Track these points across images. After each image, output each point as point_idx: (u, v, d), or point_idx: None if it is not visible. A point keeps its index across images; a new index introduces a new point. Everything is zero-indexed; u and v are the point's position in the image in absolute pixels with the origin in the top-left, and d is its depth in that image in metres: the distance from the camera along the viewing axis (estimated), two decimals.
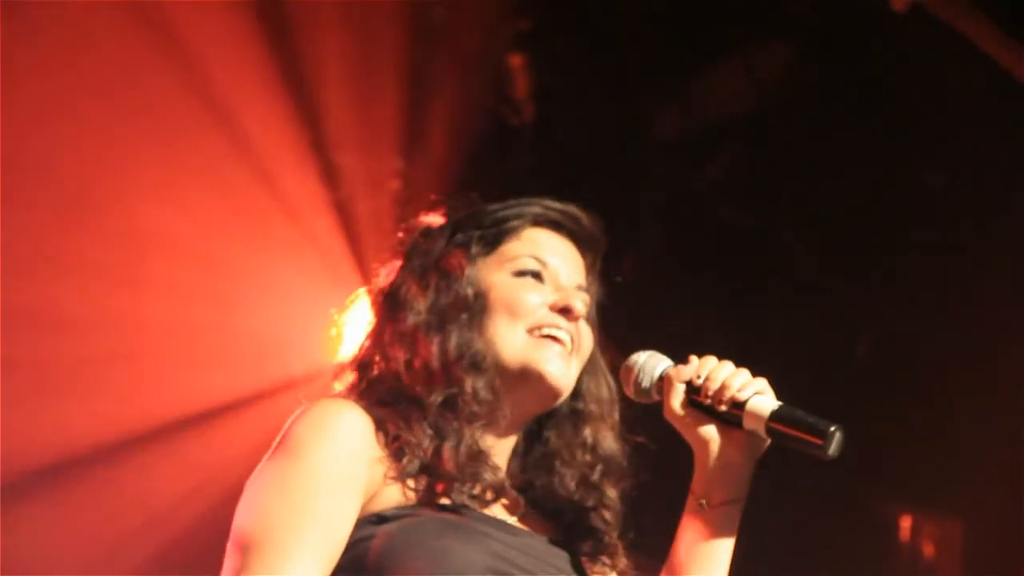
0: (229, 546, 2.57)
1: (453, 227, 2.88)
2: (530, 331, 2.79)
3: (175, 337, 5.15)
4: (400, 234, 2.94)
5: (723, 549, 2.79)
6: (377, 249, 5.32)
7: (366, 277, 5.29)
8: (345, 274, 5.34)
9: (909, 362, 5.93)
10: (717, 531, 2.78)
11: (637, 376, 2.84)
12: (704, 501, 2.78)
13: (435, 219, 2.93)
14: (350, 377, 2.83)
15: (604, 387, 2.91)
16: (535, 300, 2.80)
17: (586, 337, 2.85)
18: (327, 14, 5.43)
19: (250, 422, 5.08)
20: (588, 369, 2.89)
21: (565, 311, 2.81)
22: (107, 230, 5.03)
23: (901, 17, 5.42)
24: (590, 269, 2.92)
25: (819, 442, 2.69)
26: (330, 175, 5.54)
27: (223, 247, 5.25)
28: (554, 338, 2.79)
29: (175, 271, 5.15)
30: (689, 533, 2.80)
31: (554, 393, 2.82)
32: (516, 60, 5.92)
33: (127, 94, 5.03)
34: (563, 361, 2.80)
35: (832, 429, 2.69)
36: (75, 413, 5.02)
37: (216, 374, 5.20)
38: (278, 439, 2.65)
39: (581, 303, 2.82)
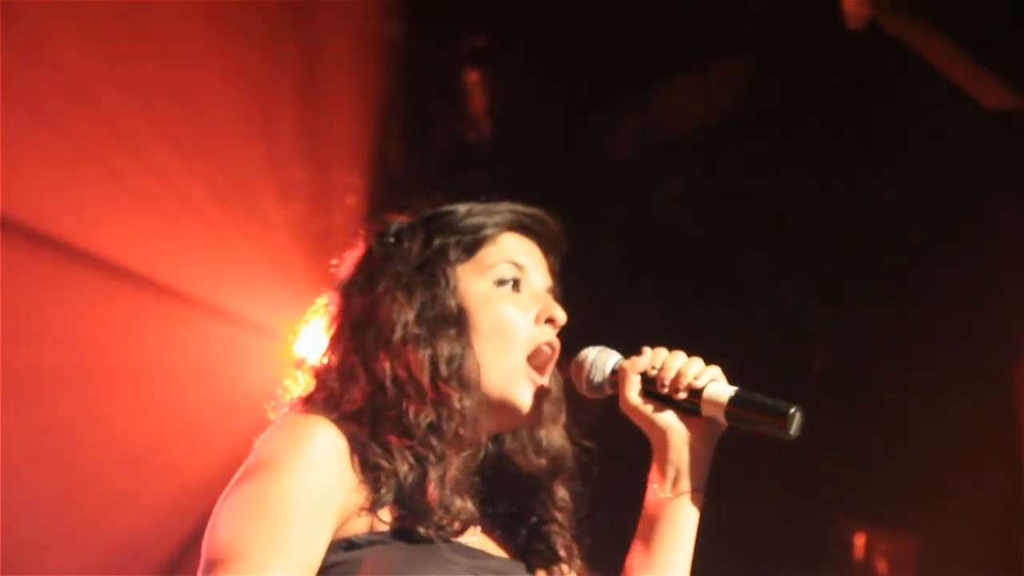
0: (202, 567, 2.53)
1: (426, 230, 2.86)
2: (527, 356, 2.79)
3: (135, 352, 5.14)
4: (365, 231, 2.90)
5: (687, 539, 2.78)
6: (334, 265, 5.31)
7: (322, 292, 5.28)
8: (301, 290, 5.31)
9: (865, 379, 5.95)
10: (680, 521, 2.77)
11: (589, 372, 2.84)
12: (667, 490, 2.78)
13: (401, 219, 2.90)
14: (321, 382, 2.77)
15: (556, 388, 2.89)
16: (520, 319, 2.80)
17: (558, 345, 2.85)
18: (284, 29, 5.42)
19: (211, 441, 5.06)
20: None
21: (550, 321, 2.82)
22: (61, 241, 5.01)
23: (858, 34, 5.45)
24: (551, 270, 2.93)
25: (780, 423, 2.70)
26: (287, 190, 5.53)
27: (179, 263, 5.23)
28: (544, 354, 2.80)
29: (131, 285, 5.13)
30: (651, 524, 2.79)
31: (526, 420, 2.82)
32: (473, 76, 5.92)
33: (81, 106, 5.01)
34: (540, 392, 2.80)
35: (792, 410, 2.69)
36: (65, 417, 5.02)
37: (172, 392, 5.19)
38: (251, 458, 2.61)
39: (561, 312, 2.83)
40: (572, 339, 2.91)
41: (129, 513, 5.14)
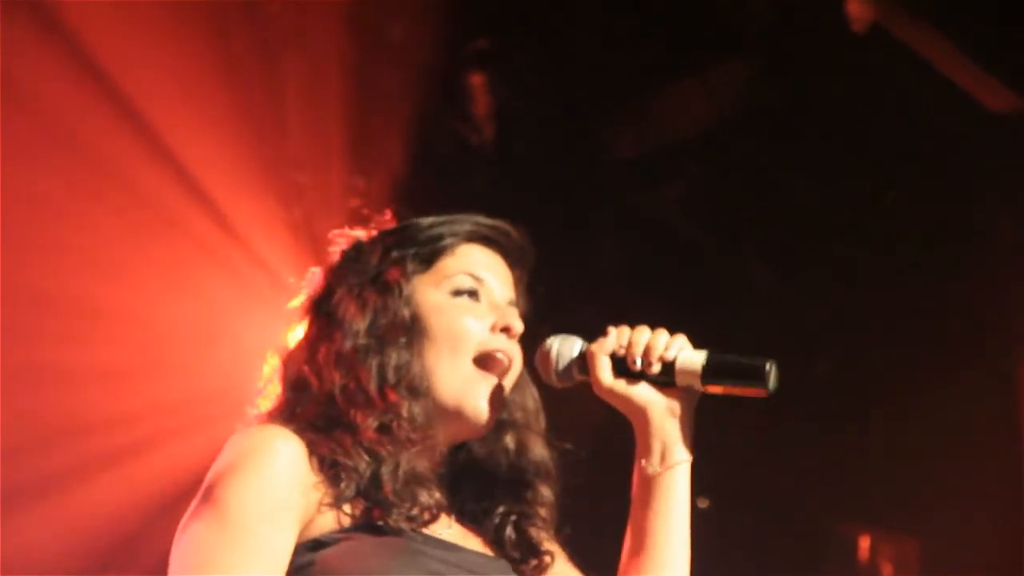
0: None
1: (385, 243, 2.86)
2: (476, 360, 2.78)
3: (140, 354, 5.14)
4: (329, 247, 2.90)
5: (684, 509, 2.78)
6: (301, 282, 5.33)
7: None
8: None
9: (868, 381, 5.95)
10: (676, 492, 2.77)
11: (555, 360, 2.82)
12: (655, 465, 2.77)
13: (363, 233, 2.91)
14: (280, 396, 2.78)
15: (529, 399, 2.89)
16: (475, 326, 2.79)
17: (518, 354, 2.85)
18: (285, 32, 5.42)
19: (213, 442, 5.07)
20: (514, 383, 2.87)
21: (506, 330, 2.81)
22: (65, 253, 5.02)
23: (859, 37, 5.45)
24: (517, 283, 2.91)
25: (757, 379, 2.70)
26: (288, 194, 5.53)
27: (180, 267, 5.24)
28: (497, 360, 2.79)
29: (135, 291, 5.14)
30: (646, 501, 2.78)
31: (485, 429, 2.80)
32: (476, 79, 5.92)
33: (81, 107, 5.02)
34: (496, 398, 2.79)
35: (768, 366, 2.70)
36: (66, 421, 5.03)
37: (178, 392, 5.19)
38: (213, 469, 2.62)
39: (518, 321, 2.82)
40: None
41: (129, 513, 5.15)
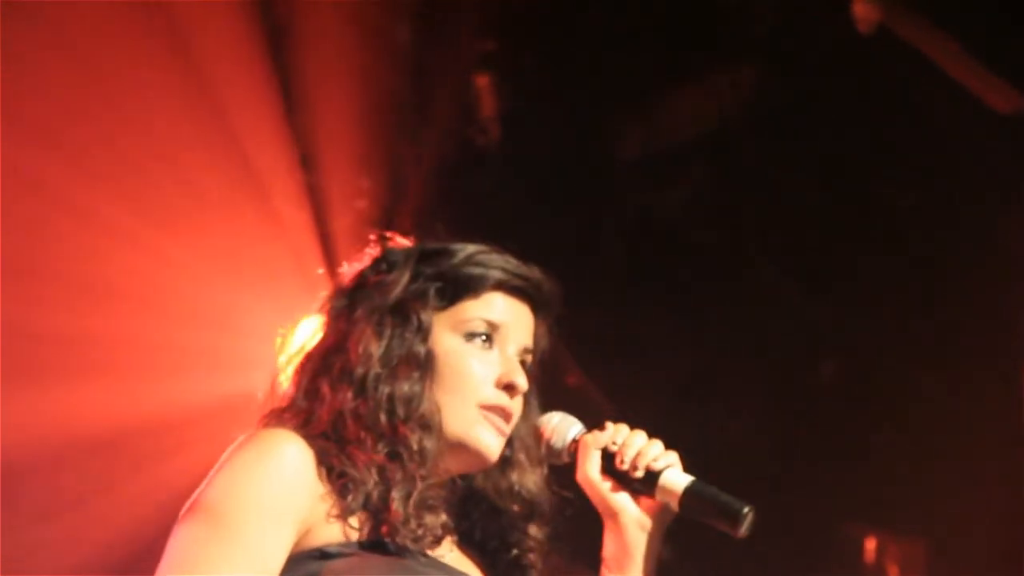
0: (158, 570, 2.55)
1: (415, 265, 2.83)
2: (478, 406, 2.77)
3: (145, 348, 5.16)
4: (366, 246, 2.90)
5: None
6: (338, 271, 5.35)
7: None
8: (311, 291, 5.34)
9: (874, 383, 5.95)
10: None
11: (550, 438, 2.86)
12: (613, 573, 2.80)
13: (399, 242, 2.89)
14: (291, 400, 2.78)
15: (530, 434, 2.89)
16: (481, 374, 2.77)
17: (518, 411, 2.83)
18: (297, 36, 5.44)
19: (218, 441, 5.08)
20: (520, 417, 2.86)
21: (509, 387, 2.79)
22: (78, 240, 5.04)
23: (865, 38, 5.46)
24: (538, 328, 2.88)
25: (731, 521, 2.71)
26: (297, 194, 5.55)
27: (195, 259, 5.26)
28: (497, 414, 2.79)
29: (145, 281, 5.16)
30: None
31: (486, 464, 2.81)
32: (483, 80, 5.94)
33: (107, 99, 5.04)
34: (499, 437, 2.80)
35: (745, 511, 2.71)
36: (55, 414, 5.04)
37: (183, 385, 5.21)
38: (215, 470, 2.62)
39: (523, 379, 2.81)
40: (577, 344, 2.92)
41: (130, 513, 5.17)
